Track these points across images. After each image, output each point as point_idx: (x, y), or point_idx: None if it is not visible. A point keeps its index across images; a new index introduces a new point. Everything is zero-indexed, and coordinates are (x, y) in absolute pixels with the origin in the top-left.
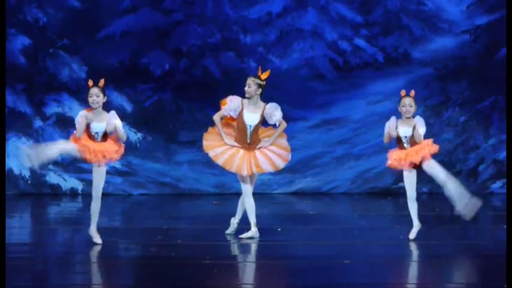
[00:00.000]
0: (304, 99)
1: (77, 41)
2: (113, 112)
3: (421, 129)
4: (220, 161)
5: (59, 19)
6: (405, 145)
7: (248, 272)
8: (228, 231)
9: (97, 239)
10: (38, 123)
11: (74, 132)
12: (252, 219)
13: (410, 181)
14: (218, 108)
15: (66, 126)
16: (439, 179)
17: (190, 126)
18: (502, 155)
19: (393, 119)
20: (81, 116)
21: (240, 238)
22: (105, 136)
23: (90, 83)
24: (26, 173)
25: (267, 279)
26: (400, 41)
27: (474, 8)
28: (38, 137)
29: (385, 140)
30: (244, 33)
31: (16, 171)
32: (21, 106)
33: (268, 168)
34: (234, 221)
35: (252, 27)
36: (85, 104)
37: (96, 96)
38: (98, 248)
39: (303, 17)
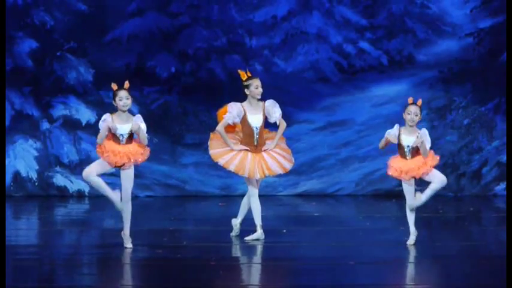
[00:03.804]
0: (309, 102)
1: (84, 44)
2: (138, 115)
3: (428, 145)
4: (232, 167)
5: (66, 22)
6: (407, 155)
7: (253, 273)
8: (232, 234)
9: (128, 243)
10: (45, 125)
11: (98, 142)
12: (258, 221)
13: (409, 190)
14: (216, 120)
15: (73, 128)
16: (433, 184)
17: (196, 128)
18: (506, 157)
19: (396, 126)
20: (104, 121)
21: (246, 240)
22: (130, 139)
23: (114, 86)
24: (33, 175)
25: (272, 280)
26: (404, 44)
27: (478, 11)
28: (45, 140)
29: (381, 144)
30: (250, 36)
31: (23, 173)
32: (29, 108)
33: (278, 170)
34: (236, 222)
35: (257, 30)
36: (92, 106)
37: (126, 99)
38: (104, 250)
39: (308, 20)
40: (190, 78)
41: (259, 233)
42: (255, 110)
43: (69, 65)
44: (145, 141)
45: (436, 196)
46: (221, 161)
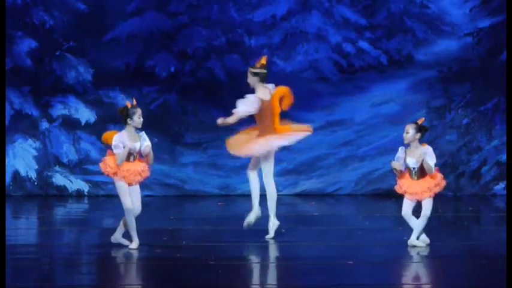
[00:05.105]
0: (308, 101)
1: (83, 43)
2: (143, 133)
3: (431, 162)
4: (256, 152)
5: (66, 22)
6: (413, 176)
7: (253, 273)
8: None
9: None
10: (44, 125)
11: (118, 164)
12: (256, 201)
13: (408, 202)
14: (215, 119)
15: (72, 128)
16: (423, 211)
17: (196, 128)
18: (505, 156)
19: (401, 149)
20: (123, 144)
21: (244, 226)
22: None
23: (132, 103)
24: (33, 175)
25: (272, 280)
26: (403, 44)
27: (477, 11)
28: (45, 139)
29: (397, 173)
30: (249, 35)
31: (23, 172)
32: (28, 108)
33: (300, 135)
34: (270, 219)
35: (256, 30)
36: (91, 105)
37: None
38: (103, 249)
39: (307, 19)
40: (189, 77)
41: (256, 211)
42: (265, 93)
43: (69, 64)
44: (152, 161)
45: (436, 196)
46: (243, 152)
